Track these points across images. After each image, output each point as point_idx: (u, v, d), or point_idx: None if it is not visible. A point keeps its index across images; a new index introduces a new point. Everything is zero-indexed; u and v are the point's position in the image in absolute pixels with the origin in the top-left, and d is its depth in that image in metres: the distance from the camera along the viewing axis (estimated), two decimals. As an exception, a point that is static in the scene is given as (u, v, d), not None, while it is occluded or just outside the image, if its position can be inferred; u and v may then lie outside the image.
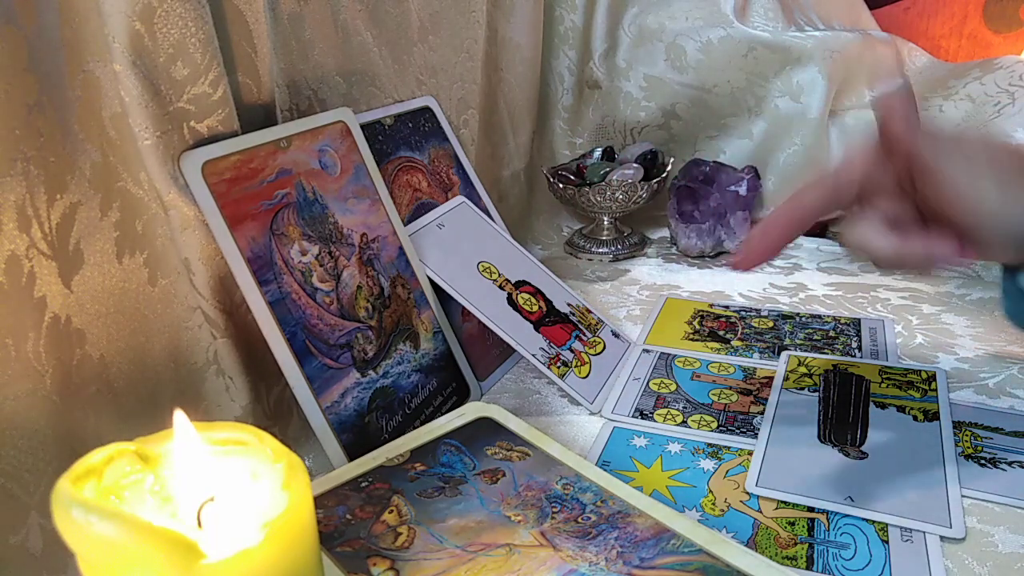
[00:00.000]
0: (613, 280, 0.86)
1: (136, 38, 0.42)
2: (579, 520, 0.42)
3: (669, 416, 0.59)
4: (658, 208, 0.98)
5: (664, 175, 0.89)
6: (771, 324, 0.73)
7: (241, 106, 0.50)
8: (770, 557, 0.43)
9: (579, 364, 0.62)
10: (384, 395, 0.54)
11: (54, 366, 0.40)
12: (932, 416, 0.56)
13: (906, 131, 0.43)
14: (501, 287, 0.63)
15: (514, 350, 0.60)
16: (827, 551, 0.45)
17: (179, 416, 0.31)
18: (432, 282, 0.60)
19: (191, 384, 0.50)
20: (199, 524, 0.30)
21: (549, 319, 0.64)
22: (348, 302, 0.53)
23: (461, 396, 0.61)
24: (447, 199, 0.69)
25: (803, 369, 0.63)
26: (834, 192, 0.45)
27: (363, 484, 0.45)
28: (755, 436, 0.55)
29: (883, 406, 0.58)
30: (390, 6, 0.67)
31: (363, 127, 0.59)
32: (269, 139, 0.51)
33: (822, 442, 0.54)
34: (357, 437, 0.51)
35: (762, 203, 0.98)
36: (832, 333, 0.70)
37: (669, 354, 0.68)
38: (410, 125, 0.68)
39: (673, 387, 0.63)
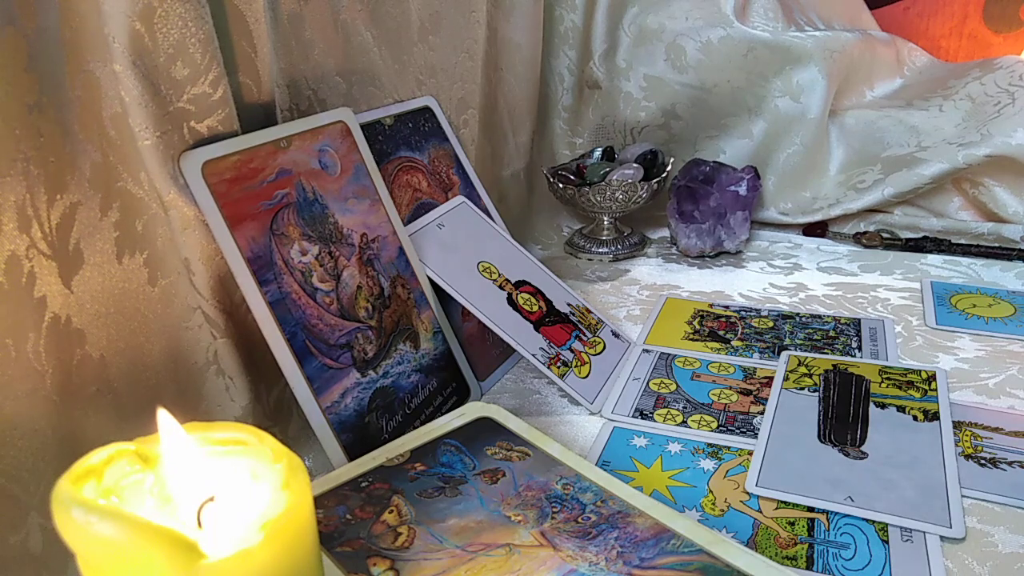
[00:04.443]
0: (613, 280, 0.86)
1: (136, 38, 0.42)
2: (579, 520, 0.42)
3: (669, 416, 0.59)
4: (658, 208, 0.98)
5: (664, 175, 0.89)
6: (771, 324, 0.73)
7: (241, 106, 0.50)
8: (770, 557, 0.43)
9: (579, 364, 0.62)
10: (384, 395, 0.54)
11: (54, 366, 0.40)
12: (932, 416, 0.56)
13: None
14: (501, 287, 0.63)
15: (514, 350, 0.60)
16: (827, 551, 0.45)
17: (162, 415, 0.31)
18: (432, 282, 0.60)
19: (191, 384, 0.50)
20: (199, 524, 0.30)
21: (549, 319, 0.64)
22: (348, 302, 0.53)
23: (461, 396, 0.61)
24: (447, 199, 0.69)
25: (803, 369, 0.63)
26: None
27: (363, 484, 0.45)
28: (755, 436, 0.55)
29: (883, 406, 0.58)
30: (390, 6, 0.67)
31: (363, 127, 0.59)
32: (269, 139, 0.51)
33: (822, 442, 0.54)
34: (357, 437, 0.51)
35: (762, 203, 0.98)
36: (832, 333, 0.70)
37: (669, 354, 0.68)
38: (410, 125, 0.68)
39: (673, 387, 0.63)
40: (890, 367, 0.63)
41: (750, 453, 0.54)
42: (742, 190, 0.88)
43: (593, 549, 0.40)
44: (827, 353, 0.67)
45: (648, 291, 0.82)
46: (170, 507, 0.31)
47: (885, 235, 0.91)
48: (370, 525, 0.41)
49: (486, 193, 0.74)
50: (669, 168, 0.90)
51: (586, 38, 0.98)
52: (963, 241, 0.89)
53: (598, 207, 0.89)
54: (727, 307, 0.77)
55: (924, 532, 0.46)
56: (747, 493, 0.50)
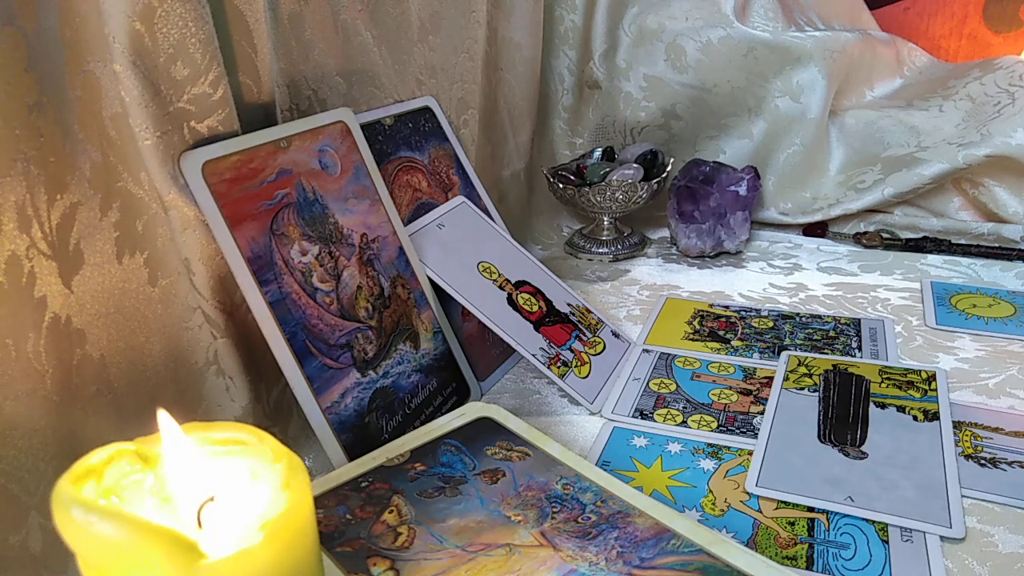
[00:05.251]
0: (613, 280, 0.86)
1: (136, 38, 0.42)
2: (579, 520, 0.42)
3: (669, 416, 0.59)
4: (658, 208, 0.98)
5: (664, 175, 0.89)
6: (771, 324, 0.73)
7: (241, 106, 0.50)
8: (770, 557, 0.43)
9: (579, 364, 0.62)
10: (384, 395, 0.54)
11: (54, 366, 0.40)
12: (932, 416, 0.56)
13: None
14: (501, 287, 0.63)
15: (514, 350, 0.60)
16: (827, 551, 0.45)
17: (163, 416, 0.31)
18: (432, 282, 0.60)
19: (191, 384, 0.50)
20: (199, 524, 0.30)
21: (549, 319, 0.64)
22: (348, 302, 0.53)
23: (461, 396, 0.61)
24: (447, 199, 0.69)
25: (803, 369, 0.63)
26: None
27: (363, 484, 0.45)
28: (755, 436, 0.55)
29: (883, 406, 0.58)
30: (390, 6, 0.67)
31: (363, 127, 0.59)
32: (269, 139, 0.51)
33: (822, 442, 0.54)
34: (357, 437, 0.51)
35: (762, 203, 0.98)
36: (832, 333, 0.70)
37: (669, 354, 0.68)
38: (410, 125, 0.68)
39: (673, 387, 0.63)
40: (890, 367, 0.63)
41: (750, 453, 0.54)
42: (742, 190, 0.88)
43: (593, 549, 0.40)
44: (827, 353, 0.67)
45: (648, 291, 0.82)
46: (170, 507, 0.31)
47: (885, 235, 0.91)
48: (370, 525, 0.41)
49: (486, 193, 0.74)
50: (669, 168, 0.90)
51: (586, 38, 0.98)
52: (963, 241, 0.89)
53: (598, 207, 0.89)
54: (727, 307, 0.77)
55: (924, 532, 0.45)
56: (747, 493, 0.50)
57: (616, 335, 0.69)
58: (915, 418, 0.56)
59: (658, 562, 0.39)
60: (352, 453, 0.49)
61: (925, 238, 0.90)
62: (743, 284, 0.83)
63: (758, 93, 0.95)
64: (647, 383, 0.63)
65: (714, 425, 0.57)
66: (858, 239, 0.92)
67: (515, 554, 0.39)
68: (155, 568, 0.27)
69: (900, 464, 0.51)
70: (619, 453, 0.55)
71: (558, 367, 0.61)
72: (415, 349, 0.57)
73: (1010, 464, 0.51)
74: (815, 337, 0.70)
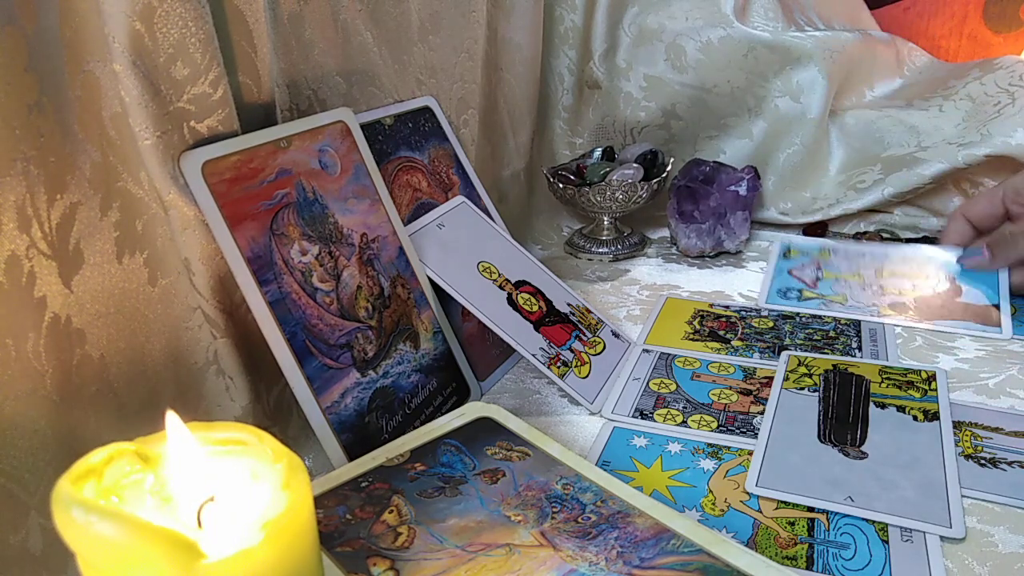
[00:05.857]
0: (613, 280, 0.86)
1: (136, 38, 0.42)
2: (579, 520, 0.42)
3: (669, 416, 0.59)
4: (658, 208, 0.98)
5: (664, 175, 0.89)
6: (771, 324, 0.73)
7: (241, 106, 0.50)
8: (770, 557, 0.43)
9: (579, 364, 0.62)
10: (384, 395, 0.54)
11: (54, 366, 0.40)
12: (932, 416, 0.56)
13: None
14: (501, 287, 0.63)
15: (514, 350, 0.60)
16: (827, 551, 0.45)
17: (171, 417, 0.31)
18: (432, 282, 0.60)
19: (191, 384, 0.50)
20: (199, 524, 0.30)
21: (549, 319, 0.64)
22: (348, 302, 0.53)
23: (461, 396, 0.61)
24: (447, 199, 0.69)
25: (803, 369, 0.63)
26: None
27: (363, 484, 0.45)
28: (755, 436, 0.55)
29: (883, 406, 0.58)
30: (390, 6, 0.67)
31: (363, 127, 0.59)
32: (269, 139, 0.51)
33: (822, 442, 0.54)
34: (357, 437, 0.51)
35: (762, 203, 0.98)
36: (832, 333, 0.70)
37: (669, 354, 0.68)
38: (410, 125, 0.68)
39: (673, 387, 0.63)
40: (890, 367, 0.63)
41: (750, 453, 0.54)
42: (742, 190, 0.88)
43: (593, 549, 0.40)
44: (827, 353, 0.67)
45: (648, 291, 0.82)
46: (170, 507, 0.31)
47: (885, 235, 0.91)
48: (370, 525, 0.41)
49: (486, 193, 0.74)
50: (669, 168, 0.90)
51: (586, 38, 0.98)
52: (963, 241, 0.89)
53: (598, 207, 0.89)
54: (727, 307, 0.77)
55: (924, 532, 0.46)
56: (747, 493, 0.50)
57: (616, 335, 0.69)
58: (915, 418, 0.56)
59: (658, 562, 0.39)
60: (352, 453, 0.49)
61: (925, 238, 0.90)
62: (743, 284, 0.83)
63: (758, 93, 0.95)
64: (647, 383, 0.63)
65: (714, 425, 0.57)
66: (858, 239, 0.92)
67: (515, 554, 0.39)
68: (155, 568, 0.27)
69: (900, 464, 0.51)
70: (619, 453, 0.55)
71: (558, 367, 0.61)
72: (415, 349, 0.57)
73: (1010, 464, 0.51)
74: (815, 337, 0.70)
